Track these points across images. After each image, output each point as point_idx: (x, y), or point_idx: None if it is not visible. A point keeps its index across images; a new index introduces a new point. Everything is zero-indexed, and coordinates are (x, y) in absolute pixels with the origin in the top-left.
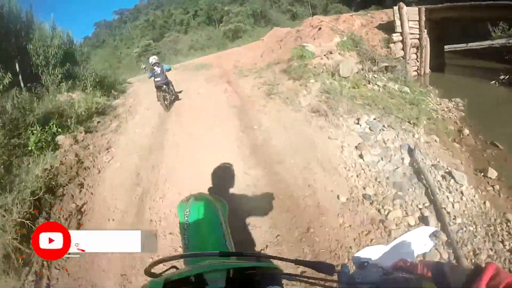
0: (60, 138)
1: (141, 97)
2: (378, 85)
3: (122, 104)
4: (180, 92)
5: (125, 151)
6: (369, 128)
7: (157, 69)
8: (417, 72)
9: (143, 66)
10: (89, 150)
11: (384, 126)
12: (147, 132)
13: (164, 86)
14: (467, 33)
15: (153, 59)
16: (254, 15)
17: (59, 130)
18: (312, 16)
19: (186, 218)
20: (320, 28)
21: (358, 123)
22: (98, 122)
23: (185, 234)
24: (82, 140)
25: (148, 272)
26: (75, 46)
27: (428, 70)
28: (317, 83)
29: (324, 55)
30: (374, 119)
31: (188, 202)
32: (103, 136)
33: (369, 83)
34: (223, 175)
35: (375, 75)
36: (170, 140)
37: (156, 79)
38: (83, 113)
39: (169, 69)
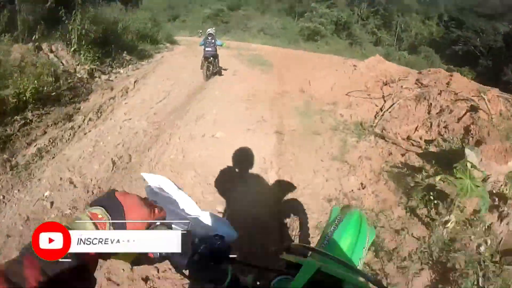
0: None
1: (149, 87)
2: None
3: (99, 94)
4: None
5: None
6: None
7: (211, 41)
8: None
9: (200, 31)
10: None
11: None
12: None
13: (211, 58)
14: None
15: (210, 30)
16: (337, 23)
17: None
18: (398, 48)
19: (335, 223)
20: (475, 110)
21: None
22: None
23: (326, 236)
24: None
25: (287, 249)
26: None
27: None
28: None
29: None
30: None
31: (346, 209)
32: None
33: None
34: None
35: None
36: None
37: (206, 49)
38: None
39: (221, 45)
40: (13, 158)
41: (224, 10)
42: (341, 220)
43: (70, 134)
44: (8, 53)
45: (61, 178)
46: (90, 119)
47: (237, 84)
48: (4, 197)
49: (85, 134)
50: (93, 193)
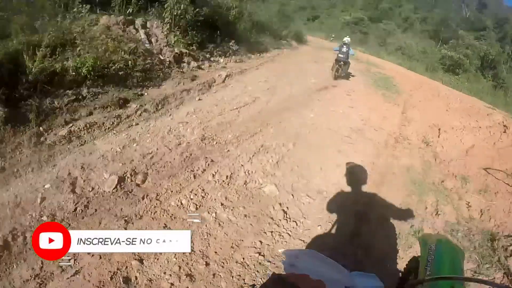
0: None
1: (238, 86)
2: None
3: (175, 82)
4: None
5: None
6: None
7: (344, 48)
8: None
9: (333, 36)
10: None
11: None
12: None
13: (342, 62)
14: None
15: (346, 39)
16: (483, 59)
17: None
18: None
19: (430, 252)
20: None
21: None
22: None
23: (427, 266)
24: None
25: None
26: None
27: None
28: None
29: None
30: None
31: (432, 237)
32: None
33: None
34: None
35: None
36: None
37: (339, 55)
38: None
39: (353, 55)
40: (46, 133)
41: (364, 20)
42: (434, 249)
43: (112, 123)
44: (95, 23)
45: (69, 174)
46: (145, 110)
47: (345, 109)
48: (18, 170)
49: (129, 126)
50: (75, 209)
